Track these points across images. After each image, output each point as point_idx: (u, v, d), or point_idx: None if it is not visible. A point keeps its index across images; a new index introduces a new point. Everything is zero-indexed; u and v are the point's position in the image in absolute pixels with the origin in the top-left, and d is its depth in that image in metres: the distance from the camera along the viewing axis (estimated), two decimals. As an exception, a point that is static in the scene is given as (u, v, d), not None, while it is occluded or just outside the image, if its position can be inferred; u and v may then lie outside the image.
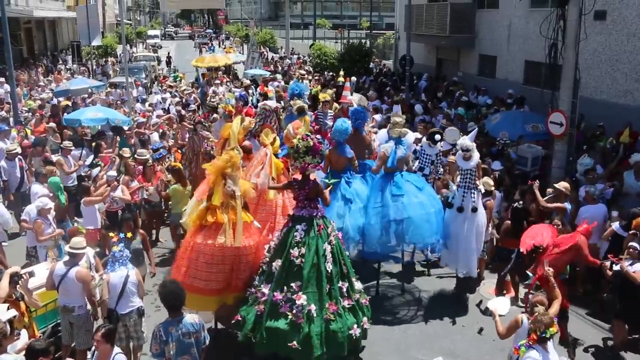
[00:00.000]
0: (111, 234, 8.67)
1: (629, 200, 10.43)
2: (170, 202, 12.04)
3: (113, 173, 11.45)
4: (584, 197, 10.19)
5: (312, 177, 8.16)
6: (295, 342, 7.44)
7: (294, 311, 7.53)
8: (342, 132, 9.85)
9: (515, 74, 20.54)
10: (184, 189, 11.47)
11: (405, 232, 9.32)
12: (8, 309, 6.56)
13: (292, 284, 7.65)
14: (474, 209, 9.55)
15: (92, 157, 13.64)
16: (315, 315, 7.56)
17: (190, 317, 6.45)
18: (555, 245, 8.24)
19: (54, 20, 47.53)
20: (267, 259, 8.06)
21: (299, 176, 8.29)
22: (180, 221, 10.32)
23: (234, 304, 8.18)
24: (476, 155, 9.63)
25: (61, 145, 13.71)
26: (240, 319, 7.84)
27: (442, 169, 11.59)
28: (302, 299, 7.57)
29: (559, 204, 9.76)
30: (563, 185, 9.99)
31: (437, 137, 11.14)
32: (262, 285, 7.87)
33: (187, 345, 6.30)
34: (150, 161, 12.41)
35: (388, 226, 9.35)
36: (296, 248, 7.73)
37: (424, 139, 11.41)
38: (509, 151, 13.38)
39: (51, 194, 10.40)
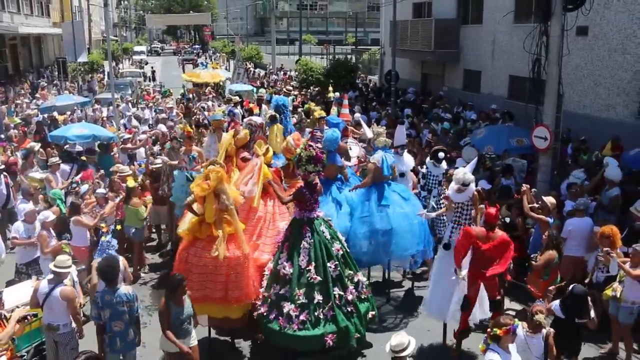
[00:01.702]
0: (102, 225, 9.56)
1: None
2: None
3: (102, 191, 11.42)
4: (572, 210, 10.21)
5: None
6: (372, 313, 8.50)
7: (360, 288, 8.34)
8: (332, 141, 10.14)
9: (500, 88, 20.73)
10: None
11: (388, 243, 9.44)
12: None
13: (348, 272, 8.31)
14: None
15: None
16: (367, 285, 8.60)
17: (124, 289, 7.34)
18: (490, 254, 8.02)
19: (40, 36, 47.40)
20: (313, 272, 8.02)
21: (299, 184, 8.75)
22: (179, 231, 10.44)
23: (241, 318, 8.52)
24: (471, 187, 8.61)
25: (48, 163, 13.61)
26: (334, 335, 7.86)
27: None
28: (361, 276, 8.45)
29: (542, 217, 9.81)
30: (550, 200, 10.04)
31: (441, 155, 10.61)
32: (332, 293, 7.99)
33: (121, 312, 7.19)
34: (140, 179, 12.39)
35: (372, 236, 9.46)
36: (335, 243, 8.34)
37: (428, 159, 11.02)
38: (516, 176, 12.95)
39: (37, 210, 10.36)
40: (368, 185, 9.92)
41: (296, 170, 8.70)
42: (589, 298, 7.50)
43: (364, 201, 9.78)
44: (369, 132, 12.55)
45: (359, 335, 8.04)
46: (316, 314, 7.86)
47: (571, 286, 7.65)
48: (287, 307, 7.90)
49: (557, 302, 7.60)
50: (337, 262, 8.13)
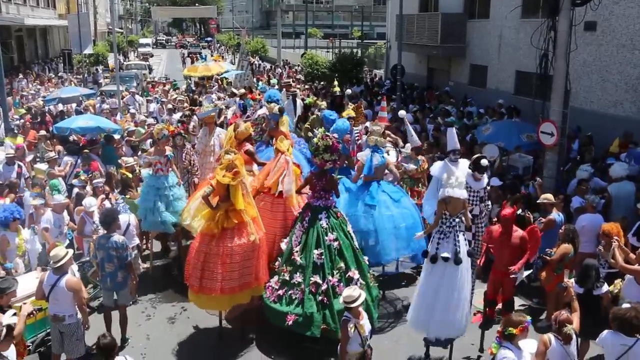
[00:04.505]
0: (115, 196, 11.03)
1: (618, 208, 10.53)
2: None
3: (100, 180, 11.54)
4: (584, 206, 10.20)
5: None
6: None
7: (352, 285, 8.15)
8: (342, 131, 10.44)
9: (506, 83, 20.64)
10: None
11: (370, 244, 9.37)
12: (13, 315, 6.53)
13: (340, 265, 8.36)
14: (457, 261, 7.70)
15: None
16: (365, 284, 8.38)
17: (116, 237, 8.42)
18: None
19: (46, 28, 47.48)
20: (297, 253, 8.43)
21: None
22: (185, 223, 10.45)
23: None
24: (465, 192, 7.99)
25: (45, 158, 13.58)
26: (297, 317, 8.11)
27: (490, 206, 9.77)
28: (356, 274, 8.33)
29: (549, 217, 9.82)
30: (544, 197, 10.03)
31: (484, 161, 8.78)
32: (309, 278, 8.24)
33: (111, 257, 8.34)
34: (137, 169, 12.40)
35: (357, 235, 9.32)
36: (329, 233, 8.44)
37: (468, 171, 8.92)
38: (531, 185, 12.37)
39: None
40: (356, 181, 9.96)
41: (313, 159, 8.89)
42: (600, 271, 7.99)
43: (352, 200, 9.75)
44: (415, 139, 11.85)
45: (326, 327, 8.07)
46: (291, 292, 8.31)
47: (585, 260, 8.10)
48: (274, 278, 8.57)
49: (572, 281, 7.87)
50: (323, 251, 8.30)
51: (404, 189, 10.89)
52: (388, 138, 12.22)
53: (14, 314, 6.54)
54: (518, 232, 8.53)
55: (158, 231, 11.22)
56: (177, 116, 18.77)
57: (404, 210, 9.66)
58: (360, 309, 6.95)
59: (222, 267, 8.17)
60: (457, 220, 7.82)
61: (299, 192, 9.34)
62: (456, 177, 7.78)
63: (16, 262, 9.21)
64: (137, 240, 10.47)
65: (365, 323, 6.98)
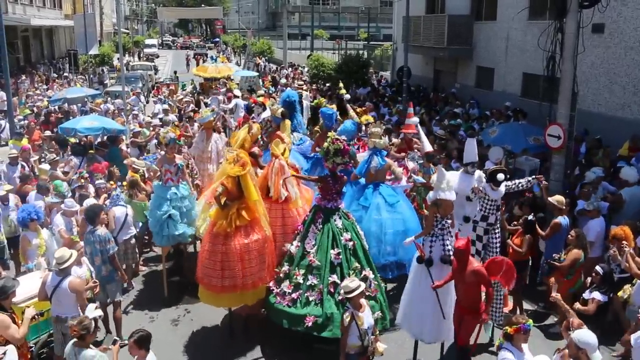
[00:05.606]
0: (111, 182, 11.55)
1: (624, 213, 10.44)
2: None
3: (102, 181, 11.55)
4: (589, 209, 10.06)
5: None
6: (378, 313, 8.25)
7: (369, 286, 8.22)
8: (349, 132, 10.54)
9: (513, 86, 20.54)
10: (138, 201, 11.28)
11: None
12: (96, 308, 6.67)
13: (355, 265, 8.36)
14: (446, 261, 7.74)
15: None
16: (377, 285, 8.48)
17: (100, 231, 8.73)
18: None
19: (51, 28, 47.57)
20: (313, 254, 8.38)
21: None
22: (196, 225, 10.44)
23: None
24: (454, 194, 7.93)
25: (47, 160, 13.54)
26: (316, 318, 8.07)
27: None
28: (370, 274, 8.34)
29: (554, 221, 9.72)
30: (555, 199, 9.90)
31: (500, 176, 8.90)
32: (327, 278, 8.23)
33: (97, 250, 8.69)
34: (141, 170, 12.35)
35: None
36: (344, 233, 8.46)
37: (484, 182, 9.16)
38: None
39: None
40: (354, 179, 10.01)
41: (325, 163, 8.88)
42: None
43: (349, 199, 9.76)
44: (427, 145, 11.58)
45: None
46: (307, 295, 8.26)
47: (597, 267, 8.34)
48: (285, 283, 8.47)
49: (596, 293, 8.00)
50: (340, 251, 8.32)
51: (417, 199, 10.83)
52: (415, 147, 12.16)
53: (96, 308, 6.72)
54: (472, 266, 7.34)
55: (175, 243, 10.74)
56: (171, 117, 18.77)
57: (396, 216, 9.55)
58: (362, 301, 7.03)
59: (242, 263, 8.25)
60: (448, 222, 7.93)
61: (308, 179, 9.51)
62: (447, 181, 7.75)
63: (39, 261, 9.19)
64: (133, 231, 10.72)
65: (365, 316, 6.99)
